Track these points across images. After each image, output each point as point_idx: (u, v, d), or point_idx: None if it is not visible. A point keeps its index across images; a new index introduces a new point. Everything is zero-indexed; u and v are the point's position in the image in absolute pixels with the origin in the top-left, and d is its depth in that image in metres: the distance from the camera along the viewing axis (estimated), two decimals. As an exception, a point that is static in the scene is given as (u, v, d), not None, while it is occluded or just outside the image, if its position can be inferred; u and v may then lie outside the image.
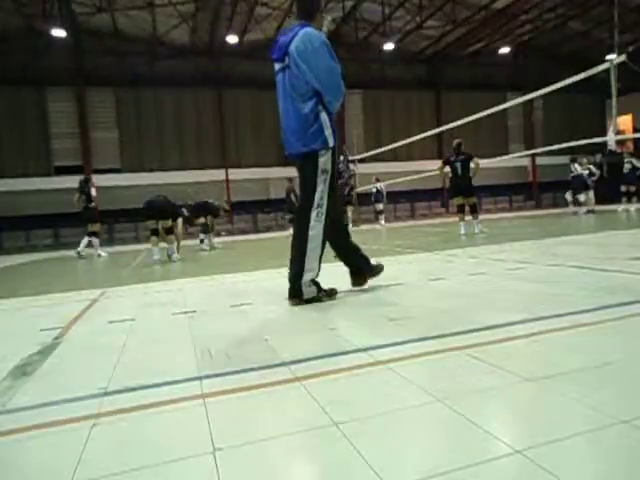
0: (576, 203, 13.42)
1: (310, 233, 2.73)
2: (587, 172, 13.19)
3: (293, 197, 12.95)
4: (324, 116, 2.71)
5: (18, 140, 19.38)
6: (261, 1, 18.25)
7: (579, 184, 13.14)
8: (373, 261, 3.13)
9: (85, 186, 9.86)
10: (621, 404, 1.15)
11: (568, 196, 13.99)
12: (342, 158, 14.35)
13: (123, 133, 20.90)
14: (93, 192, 9.84)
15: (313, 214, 2.73)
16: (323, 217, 2.75)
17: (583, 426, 1.05)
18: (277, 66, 2.80)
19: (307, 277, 2.75)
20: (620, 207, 12.95)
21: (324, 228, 2.76)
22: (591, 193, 13.24)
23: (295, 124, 2.72)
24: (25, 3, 16.72)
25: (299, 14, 2.82)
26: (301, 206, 2.81)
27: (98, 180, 19.94)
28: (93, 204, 9.88)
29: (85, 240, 9.93)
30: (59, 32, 17.04)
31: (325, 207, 2.76)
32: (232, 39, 19.66)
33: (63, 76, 19.49)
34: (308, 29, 2.68)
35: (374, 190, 14.86)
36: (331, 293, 2.87)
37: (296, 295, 2.77)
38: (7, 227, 18.64)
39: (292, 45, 2.65)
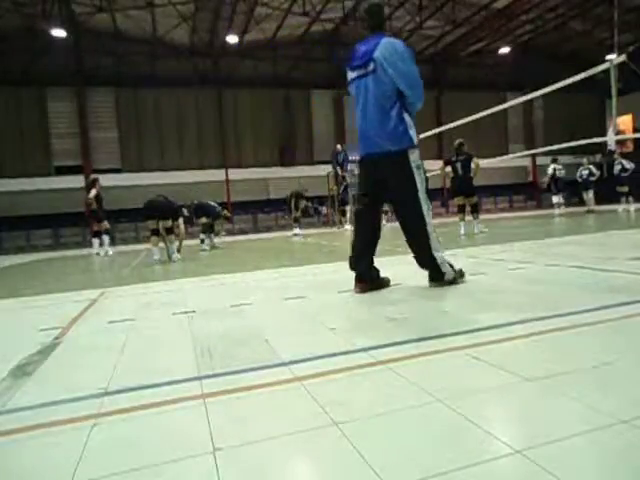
0: (557, 204, 13.47)
1: (427, 222, 2.93)
2: (587, 172, 13.21)
3: (293, 203, 12.84)
4: (407, 117, 2.93)
5: (18, 140, 19.37)
6: (261, 1, 18.24)
7: (560, 185, 13.26)
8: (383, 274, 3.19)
9: (91, 187, 10.08)
10: (621, 404, 1.15)
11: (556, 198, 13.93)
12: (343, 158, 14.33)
13: (123, 133, 20.89)
14: (91, 194, 9.96)
15: (424, 208, 2.93)
16: (430, 208, 2.99)
17: (583, 426, 1.05)
18: (355, 73, 3.01)
19: (439, 258, 2.93)
20: (620, 207, 12.96)
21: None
22: (591, 193, 13.26)
23: (382, 125, 2.91)
24: (25, 3, 16.71)
25: (370, 26, 3.02)
26: (405, 198, 2.97)
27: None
28: (94, 205, 10.00)
29: (104, 239, 10.35)
30: (59, 32, 17.02)
31: (427, 196, 2.98)
32: (232, 39, 19.64)
33: (63, 76, 19.48)
34: (389, 38, 2.90)
35: None
36: (462, 274, 3.05)
37: (437, 278, 2.96)
38: (7, 227, 18.63)
39: (377, 52, 2.85)
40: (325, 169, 16.69)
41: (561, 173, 13.37)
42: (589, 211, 12.89)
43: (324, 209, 19.48)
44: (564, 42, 23.53)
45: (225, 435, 1.16)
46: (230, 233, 18.45)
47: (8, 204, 18.60)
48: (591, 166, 13.44)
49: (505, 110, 13.43)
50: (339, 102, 23.42)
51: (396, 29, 20.85)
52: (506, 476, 0.91)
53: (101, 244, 10.39)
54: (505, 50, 23.04)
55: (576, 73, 6.09)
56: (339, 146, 14.93)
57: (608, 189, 14.44)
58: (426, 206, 2.95)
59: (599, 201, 13.90)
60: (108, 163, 20.68)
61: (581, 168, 13.47)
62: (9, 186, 18.82)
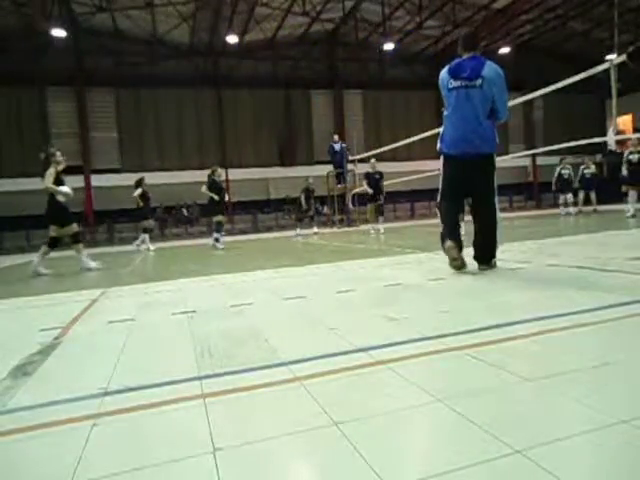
0: (567, 204, 13.43)
1: (497, 215, 3.56)
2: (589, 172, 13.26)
3: (304, 198, 12.64)
4: (494, 128, 3.57)
5: (18, 140, 19.38)
6: (261, 1, 18.25)
7: (565, 185, 13.25)
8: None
9: (137, 186, 10.52)
10: (621, 404, 1.15)
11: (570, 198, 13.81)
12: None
13: (123, 133, 20.90)
14: (135, 192, 10.42)
15: (496, 199, 3.57)
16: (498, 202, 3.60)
17: (583, 426, 1.05)
18: (458, 82, 3.49)
19: (498, 250, 3.62)
20: (626, 207, 12.85)
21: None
22: (581, 194, 13.30)
23: (482, 132, 3.46)
24: (25, 3, 16.71)
25: (466, 46, 3.56)
26: (487, 194, 3.60)
27: (98, 180, 20.13)
28: (140, 203, 10.48)
29: (145, 237, 10.83)
30: (59, 32, 17.02)
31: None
32: (232, 39, 19.64)
33: (63, 76, 19.49)
34: (492, 62, 3.46)
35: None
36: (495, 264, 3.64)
37: (488, 263, 3.56)
38: (7, 227, 18.62)
39: (485, 71, 3.40)
40: (325, 169, 16.69)
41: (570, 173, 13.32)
42: (595, 210, 12.91)
43: (325, 209, 19.48)
44: (564, 42, 23.55)
45: (225, 435, 1.16)
46: (230, 233, 18.44)
47: (8, 204, 18.59)
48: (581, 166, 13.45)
49: (505, 110, 13.38)
50: (339, 102, 23.42)
51: (396, 29, 20.87)
52: (506, 476, 0.91)
53: (143, 241, 10.88)
54: (505, 50, 23.04)
55: (576, 73, 6.09)
56: (336, 136, 14.81)
57: (608, 189, 14.38)
58: (497, 205, 3.59)
59: (601, 201, 13.88)
60: (108, 163, 20.69)
61: (582, 167, 13.45)
62: (9, 186, 18.82)
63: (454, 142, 3.55)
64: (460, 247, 3.57)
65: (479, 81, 3.39)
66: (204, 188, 9.29)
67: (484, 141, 3.45)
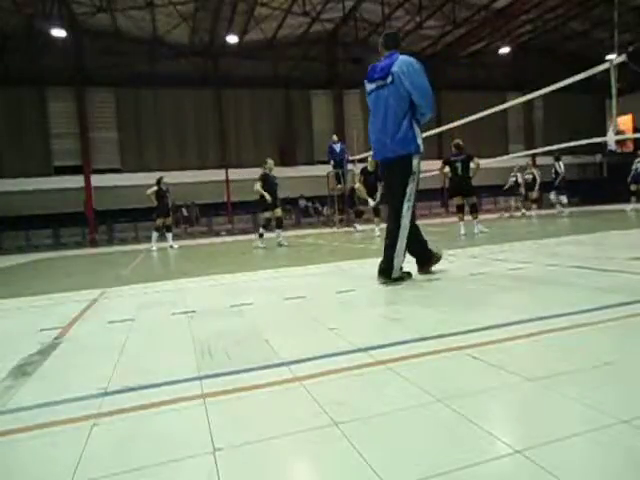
0: (562, 204, 13.44)
1: (402, 222, 3.23)
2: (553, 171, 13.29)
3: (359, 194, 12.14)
4: (416, 127, 3.29)
5: (18, 140, 19.36)
6: (261, 1, 18.24)
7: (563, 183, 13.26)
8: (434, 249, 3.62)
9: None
10: (621, 404, 1.15)
11: (563, 198, 13.82)
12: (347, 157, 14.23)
13: (123, 133, 20.87)
14: (148, 191, 10.50)
15: (404, 207, 3.23)
16: (411, 210, 3.27)
17: (583, 426, 1.05)
18: (373, 85, 3.37)
19: (397, 260, 3.24)
20: (630, 206, 12.78)
21: (411, 220, 3.29)
22: (552, 194, 13.40)
23: (394, 132, 3.25)
24: (25, 3, 16.71)
25: (387, 45, 3.40)
26: (393, 196, 3.32)
27: (98, 180, 20.13)
28: (152, 202, 10.52)
29: (167, 235, 10.96)
30: (59, 32, 17.01)
31: (413, 202, 3.28)
32: (232, 39, 19.64)
33: (63, 76, 19.47)
34: (405, 56, 3.28)
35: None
36: (409, 274, 3.37)
37: (386, 274, 3.26)
38: (7, 227, 18.62)
39: (395, 67, 3.22)
40: (325, 169, 16.70)
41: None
42: (523, 215, 12.93)
43: (326, 209, 19.47)
44: (564, 42, 23.53)
45: (225, 435, 1.16)
46: (230, 233, 18.43)
47: (8, 204, 18.59)
48: (557, 164, 13.41)
49: (505, 110, 13.40)
50: (339, 102, 23.42)
51: (396, 29, 20.85)
52: (506, 476, 0.91)
53: (162, 239, 10.97)
54: (505, 50, 23.03)
55: (576, 73, 6.10)
56: (335, 136, 14.75)
57: (609, 189, 14.36)
58: (407, 213, 3.24)
59: (601, 201, 13.85)
60: (108, 163, 20.67)
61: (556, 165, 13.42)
62: (9, 186, 18.81)
63: (377, 148, 3.42)
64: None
65: (389, 78, 3.23)
66: (258, 185, 8.70)
67: (400, 143, 3.24)
